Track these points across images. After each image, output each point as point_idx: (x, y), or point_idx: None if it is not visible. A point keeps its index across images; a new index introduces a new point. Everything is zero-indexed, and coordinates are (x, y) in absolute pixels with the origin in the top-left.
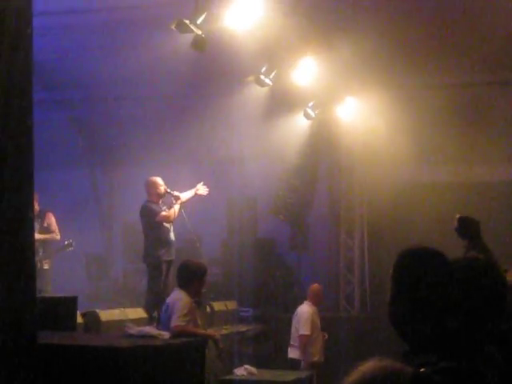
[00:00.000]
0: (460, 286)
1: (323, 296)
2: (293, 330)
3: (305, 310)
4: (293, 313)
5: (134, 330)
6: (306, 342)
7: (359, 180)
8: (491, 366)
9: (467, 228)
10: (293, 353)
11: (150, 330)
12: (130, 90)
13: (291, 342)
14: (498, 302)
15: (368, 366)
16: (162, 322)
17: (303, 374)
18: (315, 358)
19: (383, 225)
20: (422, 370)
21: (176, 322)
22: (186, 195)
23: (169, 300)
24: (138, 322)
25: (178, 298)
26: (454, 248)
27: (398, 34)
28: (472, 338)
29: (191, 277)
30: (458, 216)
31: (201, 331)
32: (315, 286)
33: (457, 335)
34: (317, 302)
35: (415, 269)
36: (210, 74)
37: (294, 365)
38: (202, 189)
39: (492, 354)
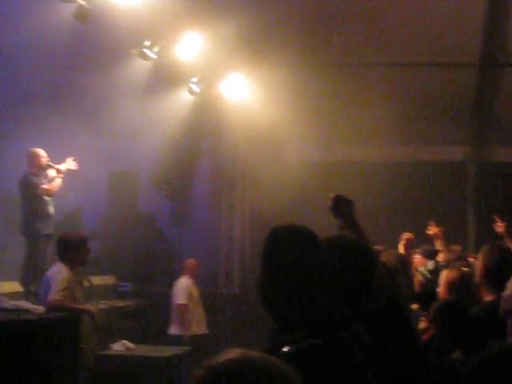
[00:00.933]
0: (330, 264)
1: (199, 270)
2: (172, 305)
3: (181, 282)
4: (172, 287)
5: (8, 303)
6: (183, 312)
7: (242, 156)
8: (358, 345)
9: (341, 207)
10: (173, 329)
11: (25, 304)
12: (12, 60)
13: (171, 319)
14: (367, 282)
15: (230, 356)
16: (39, 297)
17: (182, 350)
18: (195, 331)
19: (266, 201)
20: (285, 349)
21: (52, 296)
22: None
23: (48, 274)
24: (13, 295)
25: (57, 272)
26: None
27: (283, 12)
28: (340, 316)
29: (69, 248)
30: (332, 195)
31: (77, 306)
32: (190, 260)
33: (325, 313)
34: (193, 275)
35: (285, 247)
36: (93, 47)
37: (175, 341)
38: (71, 164)
39: (359, 333)
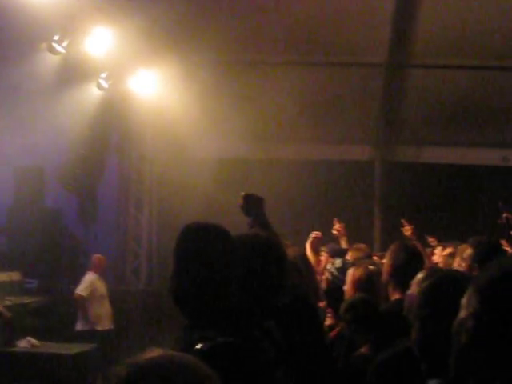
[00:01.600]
0: (241, 262)
1: (105, 266)
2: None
3: (86, 277)
4: (79, 284)
5: None
6: (81, 303)
7: (150, 154)
8: (270, 341)
9: (251, 205)
10: (79, 324)
11: None
12: None
13: (78, 314)
14: (277, 278)
15: (151, 355)
16: None
17: (88, 347)
18: (102, 327)
19: (174, 199)
20: (198, 346)
21: None
22: None
23: None
24: None
25: None
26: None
27: (192, 8)
28: (251, 313)
29: None
30: (242, 193)
31: None
32: (97, 256)
33: (236, 310)
34: (99, 271)
35: (197, 244)
36: (0, 41)
37: (82, 338)
38: None
39: (271, 330)
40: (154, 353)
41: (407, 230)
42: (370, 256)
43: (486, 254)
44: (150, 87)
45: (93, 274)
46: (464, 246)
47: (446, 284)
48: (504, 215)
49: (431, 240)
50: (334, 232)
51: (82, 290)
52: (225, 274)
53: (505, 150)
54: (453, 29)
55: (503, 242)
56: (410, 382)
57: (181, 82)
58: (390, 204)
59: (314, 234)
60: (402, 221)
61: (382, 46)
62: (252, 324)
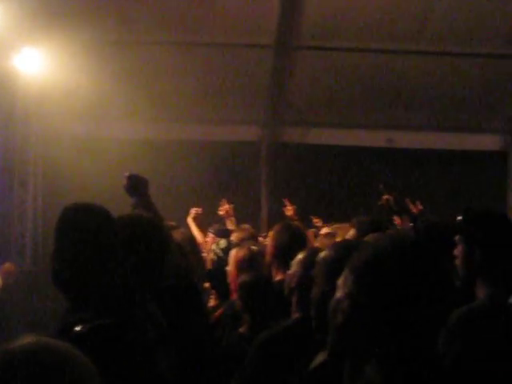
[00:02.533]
0: (123, 242)
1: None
2: None
3: None
4: None
5: None
6: None
7: (36, 133)
8: (151, 322)
9: (135, 186)
10: None
11: None
12: None
13: None
14: (160, 260)
15: (23, 341)
16: None
17: None
18: None
19: (61, 179)
20: (77, 328)
21: None
22: None
23: None
24: None
25: None
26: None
27: None
28: (133, 294)
29: None
30: (126, 174)
31: None
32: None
33: (117, 291)
34: (6, 278)
35: (76, 224)
36: None
37: None
38: None
39: (153, 311)
40: (26, 339)
41: (289, 210)
42: (254, 237)
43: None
44: (36, 66)
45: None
46: (347, 226)
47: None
48: (384, 197)
49: (316, 221)
50: (221, 213)
51: None
52: (105, 254)
53: (389, 131)
54: (341, 11)
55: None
56: (292, 360)
57: (68, 60)
58: (277, 185)
59: (194, 210)
60: (284, 201)
61: (270, 27)
62: (134, 305)
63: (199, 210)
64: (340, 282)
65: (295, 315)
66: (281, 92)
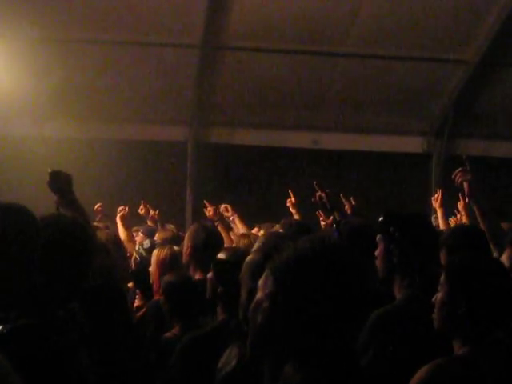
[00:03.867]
0: (44, 242)
1: None
2: None
3: None
4: None
5: None
6: None
7: None
8: (73, 323)
9: (59, 183)
10: None
11: None
12: None
13: None
14: (82, 260)
15: None
16: None
17: None
18: None
19: None
20: None
21: None
22: None
23: None
24: None
25: None
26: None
27: None
28: (55, 294)
29: None
30: (49, 170)
31: None
32: None
33: (39, 292)
34: None
35: (1, 224)
36: None
37: None
38: None
39: (75, 311)
40: None
41: (209, 211)
42: (177, 237)
43: (296, 236)
44: None
45: None
46: (276, 226)
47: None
48: (317, 194)
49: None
50: (141, 212)
51: None
52: (25, 254)
53: (315, 133)
54: (269, 12)
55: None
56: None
57: (10, 58)
58: (203, 185)
59: (120, 209)
60: (205, 202)
61: (196, 27)
62: (55, 305)
63: (126, 208)
64: (260, 282)
65: (221, 316)
66: (207, 92)
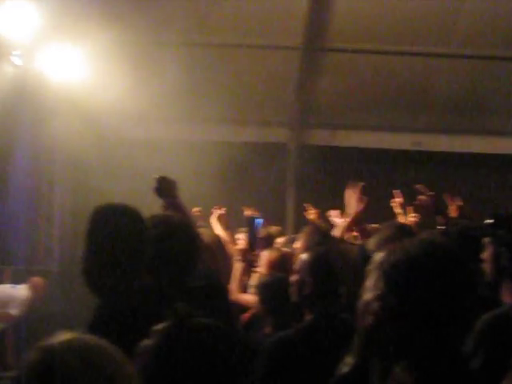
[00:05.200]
0: (154, 242)
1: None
2: None
3: (24, 293)
4: None
5: None
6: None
7: (63, 132)
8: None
9: (165, 188)
10: None
11: None
12: None
13: None
14: (189, 260)
15: (62, 338)
16: None
17: None
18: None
19: (89, 180)
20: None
21: None
22: None
23: None
24: None
25: None
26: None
27: None
28: (162, 293)
29: None
30: (156, 176)
31: None
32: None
33: (147, 290)
34: (35, 293)
35: (108, 224)
36: None
37: None
38: None
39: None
40: (66, 335)
41: (310, 214)
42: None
43: (396, 236)
44: (66, 65)
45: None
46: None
47: None
48: (421, 197)
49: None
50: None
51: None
52: (136, 254)
53: (416, 134)
54: (369, 13)
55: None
56: (305, 363)
57: (96, 60)
58: (304, 187)
59: (217, 210)
60: (305, 205)
61: (298, 29)
62: (163, 304)
63: (221, 209)
64: (369, 283)
65: (308, 317)
66: (308, 94)
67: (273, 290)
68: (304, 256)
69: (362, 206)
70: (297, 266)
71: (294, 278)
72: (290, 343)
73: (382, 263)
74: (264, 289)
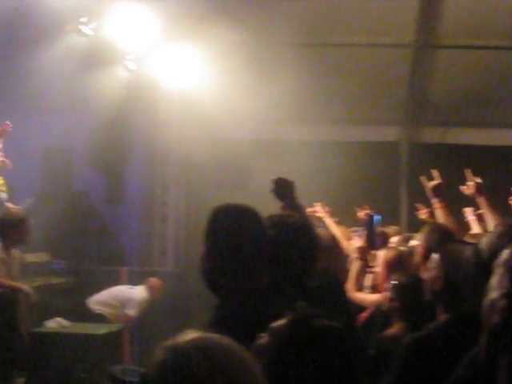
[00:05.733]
0: (273, 242)
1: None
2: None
3: (141, 294)
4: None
5: None
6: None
7: (177, 135)
8: None
9: (283, 189)
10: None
11: None
12: None
13: (106, 300)
14: (308, 259)
15: (189, 337)
16: None
17: (116, 327)
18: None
19: (203, 181)
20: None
21: None
22: None
23: None
24: None
25: None
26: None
27: None
28: (282, 293)
29: (7, 227)
30: (273, 178)
31: (11, 283)
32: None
33: (266, 290)
34: (152, 293)
35: (228, 225)
36: (29, 24)
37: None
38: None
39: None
40: (191, 334)
41: (422, 214)
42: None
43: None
44: (178, 68)
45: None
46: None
47: None
48: None
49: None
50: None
51: (133, 312)
52: (255, 254)
53: None
54: (479, 9)
55: None
56: (441, 363)
57: (211, 62)
58: (417, 185)
59: (320, 206)
60: (417, 205)
61: (409, 27)
62: (282, 303)
63: (323, 206)
64: (494, 282)
65: (443, 316)
66: (419, 91)
67: (408, 289)
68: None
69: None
70: (431, 264)
71: (427, 275)
72: (427, 344)
73: (508, 261)
74: (399, 288)
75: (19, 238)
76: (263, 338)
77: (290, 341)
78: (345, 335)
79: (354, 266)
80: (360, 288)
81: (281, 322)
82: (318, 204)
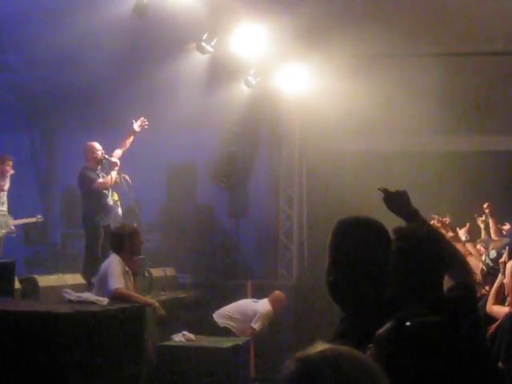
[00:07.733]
0: (400, 254)
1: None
2: (241, 304)
3: (265, 307)
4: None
5: (73, 295)
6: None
7: (300, 148)
8: None
9: (394, 200)
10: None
11: (89, 295)
12: (71, 54)
13: (231, 313)
14: (437, 272)
15: (319, 349)
16: (95, 287)
17: (241, 340)
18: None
19: (324, 193)
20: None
21: (115, 284)
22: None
23: (103, 264)
24: (76, 287)
25: (110, 262)
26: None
27: (342, 3)
28: (408, 305)
29: (120, 239)
30: (379, 188)
31: (140, 297)
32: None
33: (393, 302)
34: (276, 307)
35: (353, 238)
36: (152, 41)
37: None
38: (136, 125)
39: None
40: (322, 346)
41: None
42: None
43: None
44: (298, 82)
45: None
46: None
47: None
48: None
49: None
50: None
51: (258, 325)
52: (381, 266)
53: None
54: None
55: None
56: None
57: (328, 76)
58: None
59: (440, 218)
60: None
61: None
62: (413, 315)
63: (445, 219)
64: None
65: None
66: None
67: None
68: None
69: None
70: None
71: None
72: None
73: None
74: None
75: (132, 250)
76: (369, 349)
77: (392, 346)
78: (448, 330)
79: (498, 280)
80: (502, 301)
81: (385, 327)
82: (435, 216)
